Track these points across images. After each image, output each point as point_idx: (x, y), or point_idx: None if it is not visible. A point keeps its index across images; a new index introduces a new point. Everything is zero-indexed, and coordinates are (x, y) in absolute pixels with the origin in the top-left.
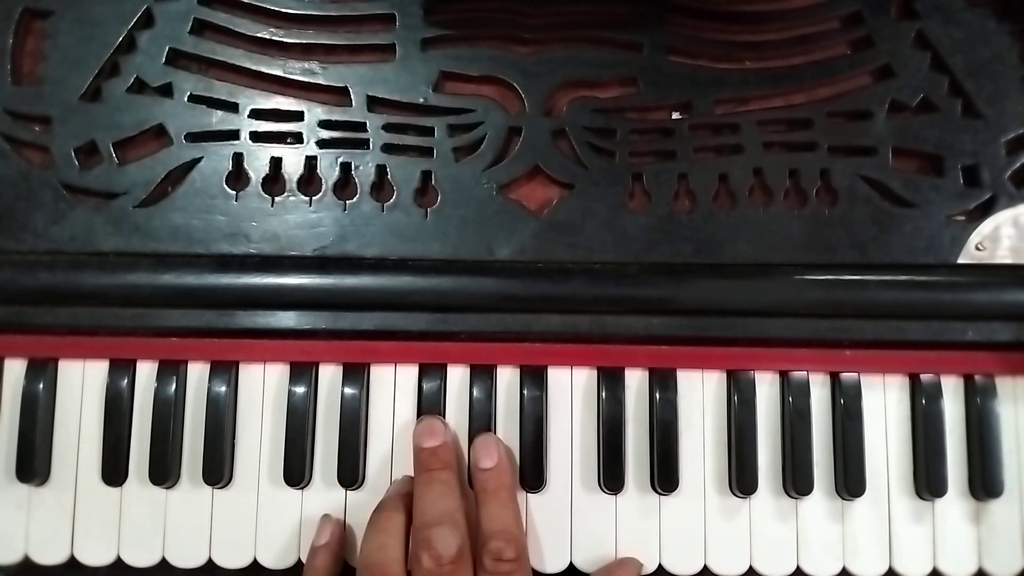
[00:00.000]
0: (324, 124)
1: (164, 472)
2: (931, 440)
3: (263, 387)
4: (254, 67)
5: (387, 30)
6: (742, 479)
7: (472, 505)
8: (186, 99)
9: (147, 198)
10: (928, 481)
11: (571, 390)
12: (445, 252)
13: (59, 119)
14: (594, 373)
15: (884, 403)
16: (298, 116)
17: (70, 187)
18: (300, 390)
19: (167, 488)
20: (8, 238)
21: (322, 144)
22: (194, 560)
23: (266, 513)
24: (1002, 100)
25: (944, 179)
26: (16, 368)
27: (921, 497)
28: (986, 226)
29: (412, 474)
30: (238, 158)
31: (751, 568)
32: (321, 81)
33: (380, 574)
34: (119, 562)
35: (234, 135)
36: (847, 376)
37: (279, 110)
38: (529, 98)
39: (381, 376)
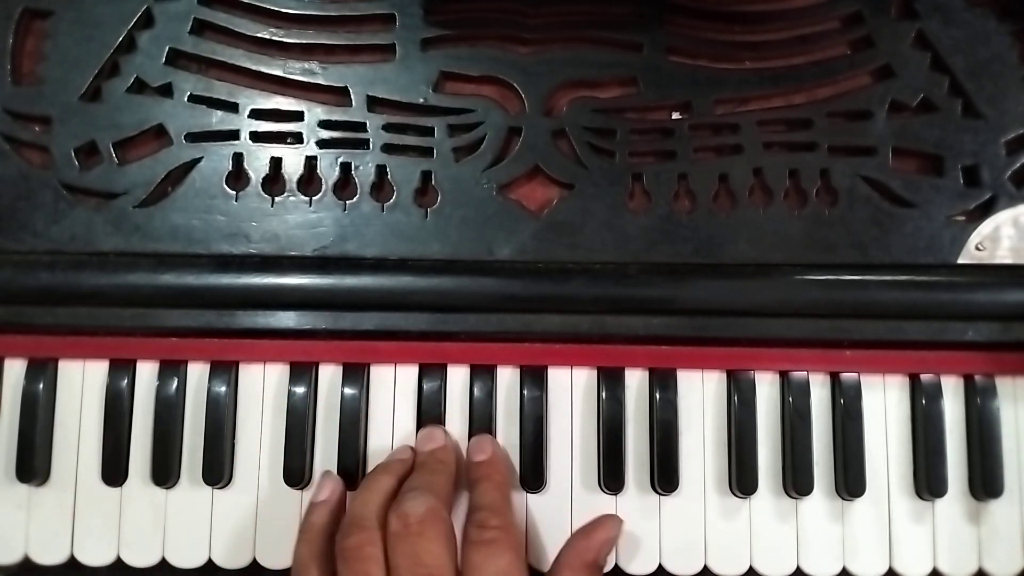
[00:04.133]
0: (324, 124)
1: (164, 472)
2: (931, 440)
3: (263, 387)
4: (254, 67)
5: (387, 30)
6: (742, 479)
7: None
8: (186, 99)
9: (147, 198)
10: (928, 481)
11: (571, 390)
12: (445, 252)
13: (59, 119)
14: (594, 373)
15: (884, 403)
16: (298, 116)
17: (70, 187)
18: (300, 390)
19: (167, 488)
20: (8, 238)
21: (322, 144)
22: (194, 560)
23: (266, 513)
24: (1002, 100)
25: (944, 179)
26: (16, 368)
27: (921, 497)
28: (986, 226)
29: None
30: (238, 158)
31: (751, 568)
32: (321, 81)
33: (356, 526)
34: (119, 562)
35: (234, 135)
36: (847, 376)
37: (279, 110)
38: (529, 98)
39: (381, 376)
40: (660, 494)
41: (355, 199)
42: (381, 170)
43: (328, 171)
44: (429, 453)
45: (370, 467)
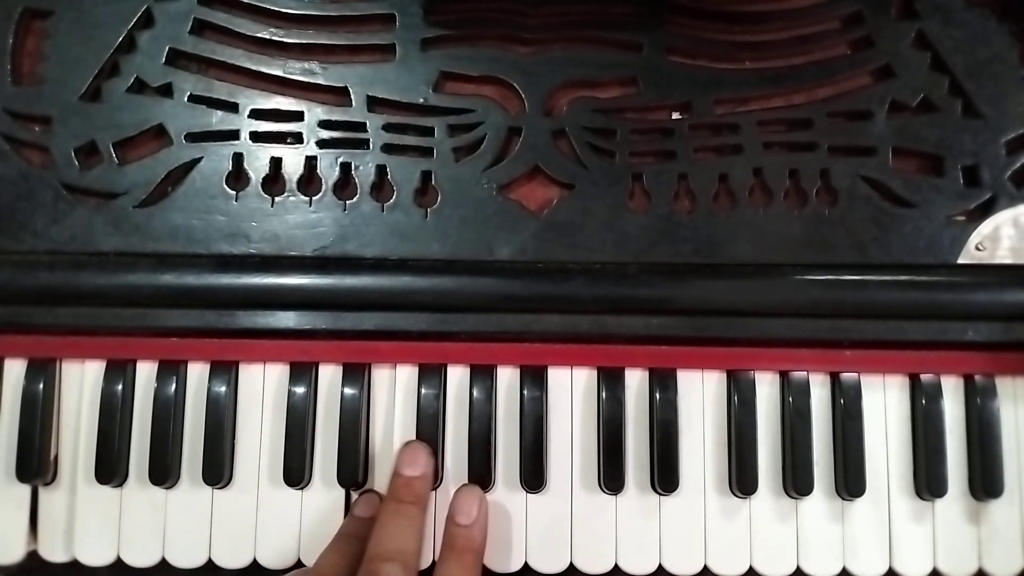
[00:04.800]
0: (324, 124)
1: (164, 472)
2: (931, 440)
3: (263, 387)
4: (254, 67)
5: (387, 30)
6: (742, 479)
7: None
8: (186, 99)
9: (147, 198)
10: (928, 481)
11: (571, 390)
12: (445, 252)
13: (59, 119)
14: (594, 373)
15: (884, 403)
16: (298, 116)
17: (70, 187)
18: (300, 390)
19: (167, 488)
20: (8, 238)
21: (322, 144)
22: (194, 560)
23: (266, 513)
24: (1002, 100)
25: (944, 179)
26: (16, 368)
27: (921, 497)
28: (986, 226)
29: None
30: (238, 158)
31: (751, 568)
32: (321, 81)
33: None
34: (119, 562)
35: (234, 135)
36: (847, 376)
37: (279, 110)
38: (529, 98)
39: (381, 376)
40: (660, 494)
41: (355, 199)
42: (381, 170)
43: (328, 171)
44: (406, 481)
45: (370, 466)
